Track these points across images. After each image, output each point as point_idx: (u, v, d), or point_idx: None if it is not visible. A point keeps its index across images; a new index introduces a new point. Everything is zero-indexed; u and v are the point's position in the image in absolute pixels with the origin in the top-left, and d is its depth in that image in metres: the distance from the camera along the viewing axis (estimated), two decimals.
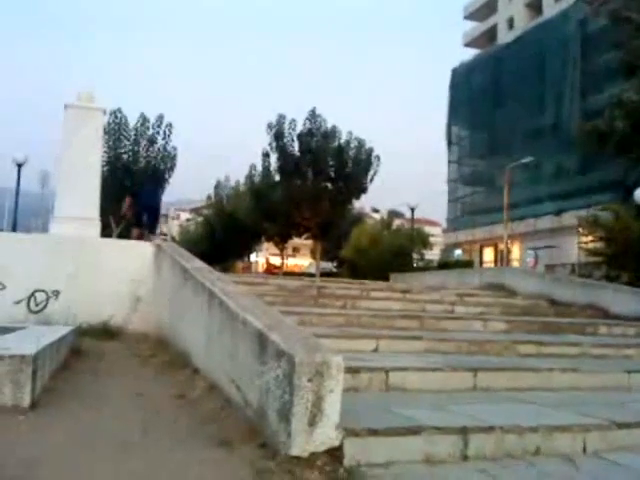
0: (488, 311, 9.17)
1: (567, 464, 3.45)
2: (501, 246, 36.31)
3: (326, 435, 3.03)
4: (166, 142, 30.76)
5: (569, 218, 29.43)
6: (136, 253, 8.42)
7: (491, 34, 51.47)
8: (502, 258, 35.71)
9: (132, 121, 30.24)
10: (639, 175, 18.05)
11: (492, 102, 40.50)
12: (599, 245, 15.77)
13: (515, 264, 36.15)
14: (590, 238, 17.10)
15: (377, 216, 53.28)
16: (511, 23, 48.83)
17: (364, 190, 31.75)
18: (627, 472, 3.42)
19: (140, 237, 14.15)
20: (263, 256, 59.34)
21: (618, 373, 5.62)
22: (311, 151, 30.12)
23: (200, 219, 55.15)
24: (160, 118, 30.45)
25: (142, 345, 6.94)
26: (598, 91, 28.71)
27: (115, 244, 9.42)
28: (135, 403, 4.38)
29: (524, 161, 32.48)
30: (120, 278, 8.04)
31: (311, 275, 28.15)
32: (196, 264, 6.32)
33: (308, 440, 3.00)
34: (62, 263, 7.93)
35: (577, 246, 24.84)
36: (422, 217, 51.14)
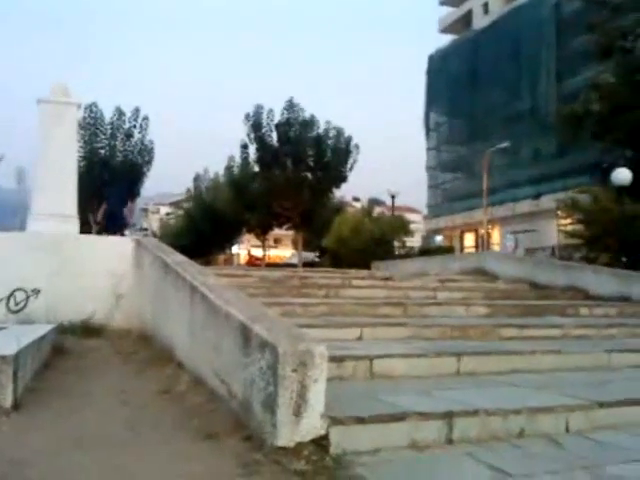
0: (470, 296, 9.22)
1: (551, 444, 3.50)
2: (481, 231, 36.57)
3: (312, 425, 3.04)
4: (143, 135, 30.62)
5: (548, 201, 29.67)
6: (116, 249, 8.34)
7: (466, 19, 51.51)
8: (483, 243, 35.99)
9: (108, 115, 29.99)
10: (616, 157, 18.19)
11: (469, 88, 40.61)
12: (578, 227, 15.93)
13: (496, 248, 36.42)
14: (569, 221, 17.27)
15: (358, 205, 53.38)
16: (486, 8, 48.89)
17: (344, 179, 31.83)
18: (608, 450, 3.48)
19: None
20: (245, 248, 59.24)
21: (599, 353, 5.69)
22: (290, 141, 30.10)
23: (180, 213, 54.89)
24: (136, 111, 30.28)
25: (125, 341, 6.89)
26: (574, 74, 28.90)
27: (94, 240, 9.31)
28: (120, 400, 4.35)
29: (501, 146, 32.69)
30: (101, 274, 7.96)
31: (293, 266, 28.17)
32: (177, 258, 6.29)
33: (294, 430, 3.00)
34: (41, 261, 7.83)
35: (556, 229, 25.10)
36: (403, 204, 51.25)
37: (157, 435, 3.47)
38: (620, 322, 7.77)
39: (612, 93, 17.76)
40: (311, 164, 30.72)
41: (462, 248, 40.63)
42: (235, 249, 56.47)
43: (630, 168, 15.48)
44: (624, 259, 13.57)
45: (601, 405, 3.96)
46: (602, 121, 17.89)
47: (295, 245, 38.98)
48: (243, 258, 56.77)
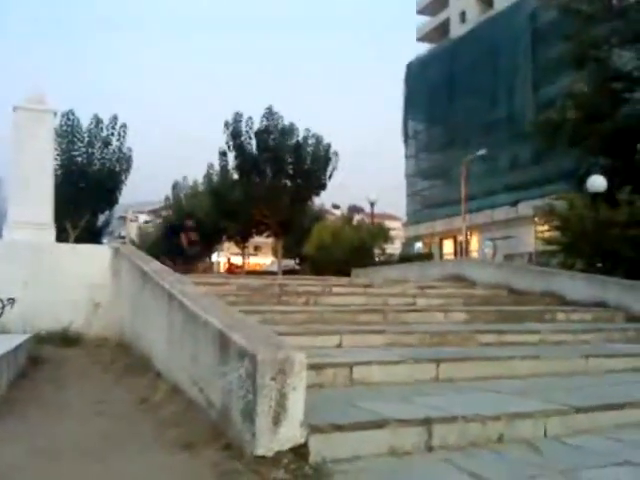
0: (449, 302, 9.26)
1: (529, 449, 3.52)
2: (460, 238, 36.82)
3: (291, 433, 3.03)
4: (121, 143, 30.40)
5: (525, 208, 29.96)
6: (94, 257, 8.27)
7: (444, 28, 52.03)
8: (461, 250, 36.23)
9: (85, 123, 29.75)
10: (591, 165, 18.44)
11: (447, 96, 40.97)
12: (555, 234, 16.09)
13: (474, 255, 36.70)
14: (546, 227, 17.44)
15: (338, 212, 53.49)
16: (463, 17, 49.45)
17: (323, 186, 31.86)
18: (584, 453, 3.51)
19: None
20: (225, 256, 58.97)
21: (576, 358, 5.75)
22: (269, 149, 30.08)
23: (159, 221, 54.56)
24: (114, 119, 30.07)
25: (103, 350, 6.83)
26: (550, 83, 29.26)
27: (71, 249, 9.22)
28: (97, 410, 4.31)
29: (479, 154, 32.97)
30: (78, 283, 7.88)
31: (273, 273, 28.09)
32: (154, 266, 6.25)
33: (273, 439, 2.99)
34: (17, 270, 7.73)
35: (534, 235, 25.35)
36: (383, 212, 51.45)
37: (134, 446, 3.43)
38: (596, 327, 7.86)
39: (586, 102, 18.03)
40: (290, 172, 30.72)
41: (441, 255, 40.85)
42: (215, 257, 56.21)
43: (605, 175, 15.72)
44: (599, 265, 13.74)
45: (578, 410, 4.00)
46: (577, 129, 18.12)
47: (275, 253, 38.90)
48: (223, 266, 56.50)
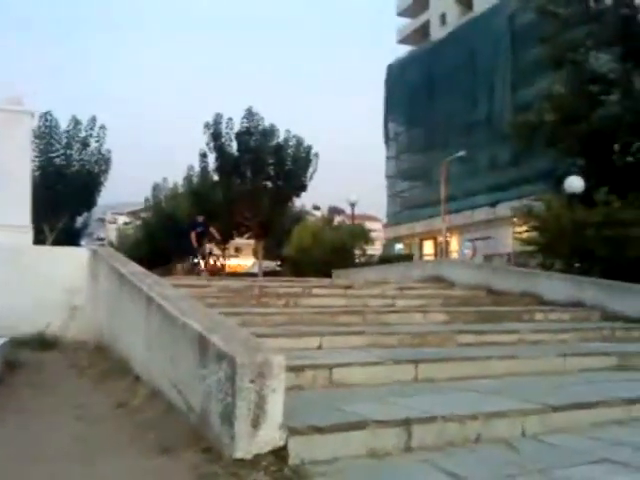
0: (428, 303, 9.32)
1: (507, 448, 3.55)
2: (440, 239, 37.03)
3: (270, 435, 3.03)
4: (100, 144, 30.18)
5: (504, 209, 30.19)
6: (71, 260, 8.18)
7: (424, 30, 52.33)
8: (441, 250, 36.43)
9: (64, 124, 29.48)
10: (568, 166, 18.63)
11: (427, 97, 41.23)
12: (533, 234, 16.24)
13: (454, 256, 36.94)
14: (524, 228, 17.59)
15: (318, 213, 53.48)
16: (443, 19, 49.77)
17: (304, 188, 31.86)
18: (561, 452, 3.55)
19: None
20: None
21: (554, 358, 5.81)
22: (249, 150, 30.02)
23: (139, 223, 54.16)
24: (93, 120, 29.85)
25: (81, 354, 6.76)
26: (528, 84, 29.55)
27: (49, 251, 9.14)
28: (75, 415, 4.26)
29: (458, 155, 33.20)
30: (56, 286, 7.79)
31: (254, 275, 28.04)
32: (133, 268, 6.21)
33: (252, 442, 2.98)
34: None
35: (513, 236, 25.54)
36: (363, 213, 51.56)
37: (112, 450, 3.40)
38: (573, 327, 7.96)
39: (563, 104, 18.20)
40: (271, 173, 30.69)
41: (421, 256, 41.06)
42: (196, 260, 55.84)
43: (582, 176, 15.90)
44: (577, 265, 13.89)
45: (555, 409, 4.04)
46: (554, 131, 18.31)
47: (256, 254, 38.81)
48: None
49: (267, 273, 30.25)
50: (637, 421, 4.27)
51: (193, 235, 18.38)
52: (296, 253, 30.03)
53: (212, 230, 18.90)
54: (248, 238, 36.79)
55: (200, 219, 19.16)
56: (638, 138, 17.15)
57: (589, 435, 3.89)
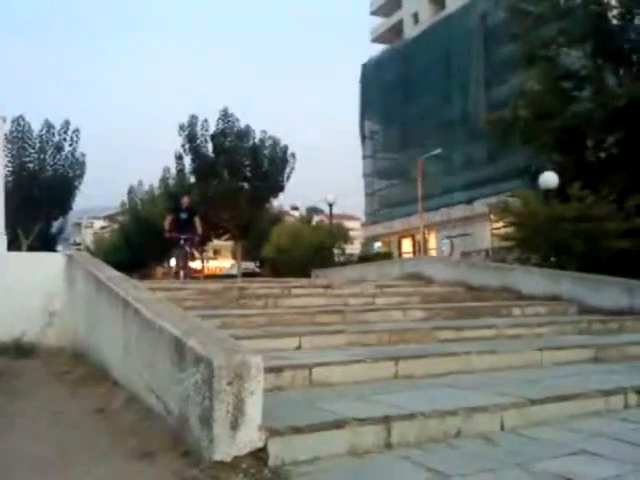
0: (407, 301, 9.35)
1: (486, 443, 3.57)
2: (418, 236, 37.20)
3: (249, 437, 3.01)
4: (74, 148, 29.90)
5: (481, 206, 30.45)
6: (47, 265, 8.07)
7: (398, 29, 52.50)
8: (420, 248, 36.61)
9: (37, 129, 29.15)
10: (544, 161, 18.81)
11: (402, 96, 41.37)
12: (509, 230, 16.39)
13: (433, 253, 37.13)
14: (501, 224, 17.75)
15: (296, 213, 53.48)
16: (416, 18, 49.98)
17: (281, 188, 31.84)
18: (540, 444, 3.57)
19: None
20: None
21: (531, 351, 5.86)
22: (225, 151, 29.92)
23: (115, 227, 53.74)
24: (66, 124, 29.57)
25: (58, 360, 6.68)
26: (502, 82, 29.79)
27: (24, 257, 9.02)
28: (53, 421, 4.22)
29: (434, 153, 33.38)
30: (31, 292, 7.68)
31: (233, 277, 27.93)
32: (109, 273, 6.15)
33: (231, 444, 2.97)
34: None
35: (489, 232, 25.77)
36: (342, 212, 51.64)
37: (90, 455, 3.37)
38: (550, 320, 8.04)
39: (537, 100, 18.38)
40: (248, 174, 30.62)
41: (400, 254, 41.21)
42: (173, 262, 55.58)
43: (556, 172, 16.07)
44: (553, 259, 14.05)
45: (533, 402, 4.07)
46: (528, 127, 18.48)
47: (235, 256, 38.68)
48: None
49: (246, 274, 30.18)
50: (614, 412, 4.33)
51: (168, 222, 13.82)
52: (275, 254, 30.01)
53: (197, 221, 13.81)
54: (226, 240, 36.68)
55: (185, 202, 14.19)
56: (610, 134, 17.39)
57: (567, 427, 3.93)
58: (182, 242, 13.49)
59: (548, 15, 18.66)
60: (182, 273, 13.70)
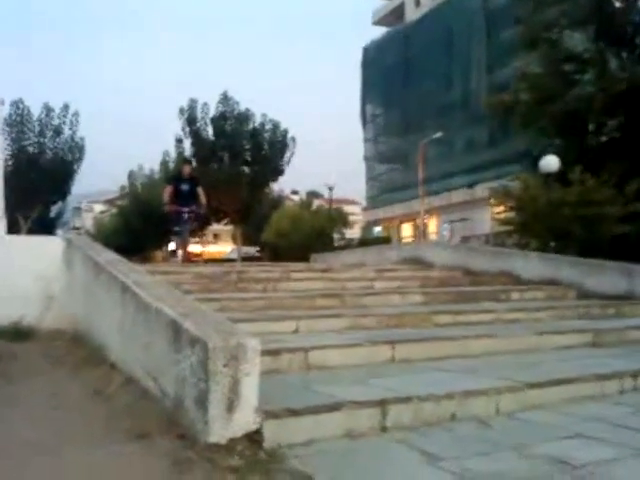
0: (406, 285, 9.34)
1: (481, 426, 3.58)
2: (418, 221, 37.17)
3: (245, 420, 3.01)
4: (73, 132, 29.83)
5: (481, 190, 30.41)
6: (46, 249, 8.05)
7: (399, 12, 52.07)
8: (420, 233, 36.60)
9: (36, 112, 29.06)
10: (545, 145, 18.75)
11: (404, 79, 41.21)
12: (510, 215, 16.36)
13: (433, 238, 37.13)
14: (501, 208, 17.73)
15: (297, 198, 53.40)
16: (418, 0, 49.56)
17: (281, 172, 31.76)
18: (536, 428, 3.59)
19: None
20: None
21: (529, 336, 5.86)
22: (225, 135, 29.80)
23: (115, 211, 53.69)
24: (66, 108, 29.48)
25: (57, 344, 6.68)
26: (503, 65, 29.65)
27: (23, 241, 8.99)
28: (50, 403, 4.22)
29: (435, 137, 33.27)
30: (30, 276, 7.67)
31: (233, 261, 27.95)
32: (108, 256, 6.14)
33: (226, 426, 2.97)
34: None
35: (490, 217, 25.73)
36: (342, 196, 51.57)
37: (87, 437, 3.37)
38: (548, 305, 8.04)
39: (539, 83, 18.29)
40: (248, 158, 30.52)
41: (400, 238, 41.25)
42: (173, 246, 55.60)
43: (558, 155, 16.02)
44: (552, 244, 14.03)
45: (530, 386, 4.08)
46: (530, 110, 18.40)
47: (235, 240, 38.68)
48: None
49: (246, 259, 30.20)
50: (610, 397, 4.34)
51: (167, 193, 12.55)
52: (275, 238, 30.08)
53: (201, 192, 12.51)
54: (226, 224, 36.66)
55: (186, 170, 13.07)
56: (611, 118, 17.30)
57: (563, 411, 3.94)
58: (185, 216, 12.18)
59: None
60: (180, 254, 12.74)
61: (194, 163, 31.66)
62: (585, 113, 17.25)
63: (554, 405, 4.04)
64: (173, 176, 13.46)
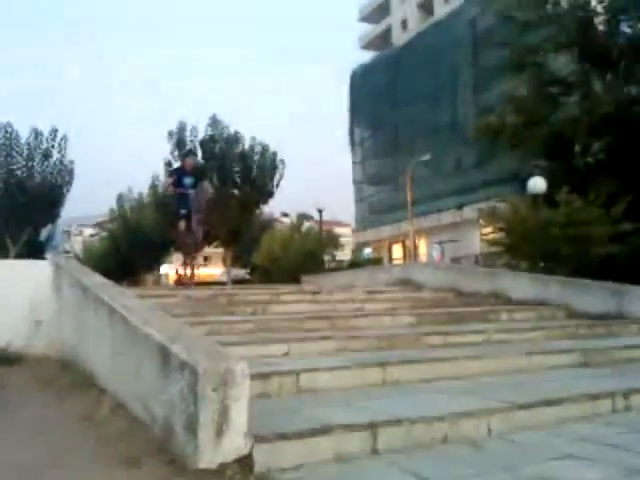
0: (397, 306, 9.33)
1: (472, 448, 3.57)
2: (408, 242, 37.25)
3: (234, 444, 2.99)
4: (62, 155, 29.76)
5: (470, 212, 30.54)
6: (34, 273, 8.01)
7: (386, 36, 52.75)
8: (410, 254, 36.66)
9: (24, 136, 29.01)
10: (532, 167, 18.91)
11: (391, 102, 41.49)
12: (499, 236, 16.44)
13: (423, 259, 37.19)
14: (490, 229, 17.82)
15: (287, 220, 53.40)
16: (405, 24, 50.22)
17: (271, 194, 31.80)
18: (527, 449, 3.58)
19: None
20: (175, 267, 58.08)
21: (519, 356, 5.86)
22: (215, 157, 29.86)
23: (104, 234, 53.50)
24: (54, 131, 29.42)
25: (45, 369, 6.62)
26: (490, 87, 29.93)
27: (9, 265, 8.94)
28: (38, 428, 4.18)
29: (423, 158, 33.47)
30: (18, 300, 7.61)
31: (223, 284, 27.86)
32: (96, 280, 6.12)
33: (216, 451, 2.95)
34: None
35: (479, 238, 25.85)
36: (332, 219, 51.62)
37: (75, 463, 3.34)
38: (538, 325, 8.05)
39: (525, 106, 18.52)
40: (237, 180, 30.59)
41: (390, 259, 41.30)
42: (164, 269, 55.38)
43: (545, 177, 16.16)
44: (542, 264, 14.10)
45: (521, 407, 4.08)
46: (517, 133, 18.59)
47: (225, 262, 38.59)
48: (172, 278, 55.70)
49: (237, 281, 30.11)
50: (601, 417, 4.34)
51: (169, 184, 12.24)
52: (265, 261, 29.98)
53: (206, 185, 12.14)
54: (216, 247, 36.58)
55: (188, 164, 12.26)
56: (596, 139, 17.50)
57: (554, 432, 3.93)
58: (191, 196, 11.68)
59: (535, 21, 18.82)
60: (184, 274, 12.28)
61: None
62: (571, 135, 17.44)
63: (545, 426, 4.03)
64: (176, 169, 13.05)
